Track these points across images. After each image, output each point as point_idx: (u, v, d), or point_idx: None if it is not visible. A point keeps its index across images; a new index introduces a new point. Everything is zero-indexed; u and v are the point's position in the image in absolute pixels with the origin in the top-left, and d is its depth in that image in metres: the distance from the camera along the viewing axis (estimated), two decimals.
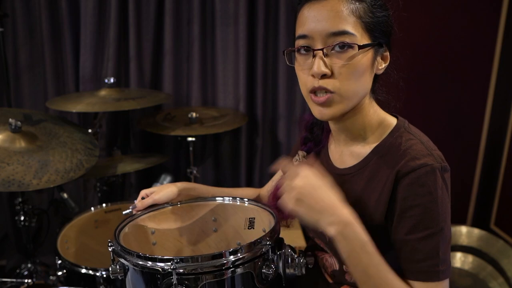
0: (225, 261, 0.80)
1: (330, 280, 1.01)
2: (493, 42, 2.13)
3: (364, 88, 0.87)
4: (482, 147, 2.27)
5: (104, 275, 1.46)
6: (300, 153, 1.06)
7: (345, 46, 0.81)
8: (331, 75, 0.82)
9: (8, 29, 2.06)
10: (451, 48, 2.15)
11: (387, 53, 0.88)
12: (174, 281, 0.78)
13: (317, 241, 1.02)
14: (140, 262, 0.82)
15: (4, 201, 2.23)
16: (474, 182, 2.33)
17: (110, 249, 0.89)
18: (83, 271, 1.47)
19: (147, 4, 2.11)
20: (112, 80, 1.92)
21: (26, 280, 1.72)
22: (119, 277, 0.88)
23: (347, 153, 0.95)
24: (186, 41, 2.19)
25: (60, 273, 1.52)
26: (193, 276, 0.80)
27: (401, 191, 0.82)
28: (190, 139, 1.92)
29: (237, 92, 2.21)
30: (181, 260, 0.79)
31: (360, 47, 0.81)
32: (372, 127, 0.92)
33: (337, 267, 0.98)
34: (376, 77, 0.90)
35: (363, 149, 0.92)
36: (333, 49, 0.82)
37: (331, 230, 0.77)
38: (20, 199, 1.71)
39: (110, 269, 0.89)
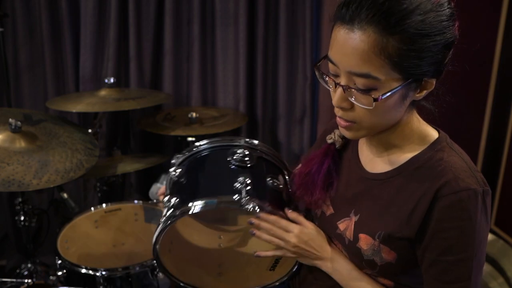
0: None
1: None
2: (493, 42, 2.13)
3: (391, 120, 0.81)
4: (482, 147, 2.27)
5: (104, 275, 1.46)
6: (337, 131, 1.00)
7: (366, 89, 0.75)
8: (351, 108, 0.79)
9: (8, 29, 2.06)
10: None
11: (432, 81, 0.78)
12: (241, 149, 1.01)
13: (335, 242, 0.98)
14: (221, 144, 1.07)
15: (4, 201, 2.23)
16: None
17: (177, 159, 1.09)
18: (83, 271, 1.47)
19: (147, 4, 2.11)
20: (112, 80, 1.92)
21: (26, 280, 1.72)
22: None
23: (379, 158, 0.91)
24: (186, 41, 2.19)
25: (60, 273, 1.53)
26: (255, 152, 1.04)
27: (438, 211, 0.78)
28: (190, 139, 1.92)
29: (237, 92, 2.21)
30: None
31: (383, 94, 0.74)
32: (411, 137, 0.86)
33: None
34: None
35: (399, 158, 0.87)
36: (354, 88, 0.76)
37: (323, 267, 0.95)
38: (20, 199, 1.71)
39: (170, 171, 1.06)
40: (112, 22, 2.08)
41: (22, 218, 1.72)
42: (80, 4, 2.09)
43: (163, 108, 2.25)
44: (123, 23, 2.13)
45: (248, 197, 0.91)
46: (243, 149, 1.02)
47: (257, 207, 0.92)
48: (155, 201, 1.75)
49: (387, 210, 0.85)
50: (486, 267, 1.94)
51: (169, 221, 0.94)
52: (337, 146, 0.99)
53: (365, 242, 0.87)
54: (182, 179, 1.04)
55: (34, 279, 1.76)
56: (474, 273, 0.78)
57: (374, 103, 0.74)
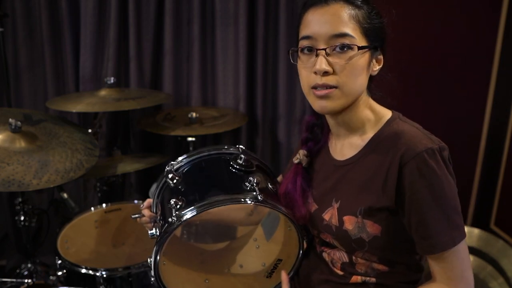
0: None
1: (340, 273, 1.01)
2: (493, 42, 2.13)
3: (361, 86, 0.93)
4: (482, 147, 2.27)
5: (104, 275, 1.47)
6: (301, 152, 1.09)
7: (345, 47, 0.89)
8: (332, 73, 0.90)
9: (8, 29, 2.07)
10: (451, 48, 2.14)
11: (381, 57, 0.96)
12: (242, 155, 1.01)
13: (323, 237, 1.02)
14: (216, 152, 1.07)
15: (4, 201, 2.23)
16: (474, 182, 2.33)
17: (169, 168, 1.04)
18: (83, 271, 1.48)
19: (147, 4, 2.12)
20: (112, 80, 1.92)
21: (26, 280, 1.73)
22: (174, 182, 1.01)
23: (347, 145, 1.01)
24: (186, 41, 2.19)
25: (60, 273, 1.53)
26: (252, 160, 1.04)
27: (408, 175, 0.87)
28: (190, 139, 1.92)
29: (237, 92, 2.21)
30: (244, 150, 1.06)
31: (359, 48, 0.89)
32: (369, 120, 0.99)
33: (346, 259, 0.99)
34: (371, 78, 0.97)
35: (362, 140, 0.98)
36: (334, 49, 0.89)
37: None
38: (20, 199, 1.71)
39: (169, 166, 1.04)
40: (112, 22, 2.08)
41: (22, 218, 1.72)
42: (80, 4, 2.09)
43: (163, 108, 2.25)
44: (123, 23, 2.13)
45: (260, 192, 0.92)
46: (243, 156, 1.03)
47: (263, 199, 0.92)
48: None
49: (362, 187, 0.94)
50: (486, 267, 1.94)
51: (182, 219, 0.90)
52: (304, 165, 1.08)
53: (349, 222, 0.94)
54: (181, 186, 1.01)
55: (34, 279, 1.76)
56: (453, 218, 0.88)
57: (351, 58, 0.89)
